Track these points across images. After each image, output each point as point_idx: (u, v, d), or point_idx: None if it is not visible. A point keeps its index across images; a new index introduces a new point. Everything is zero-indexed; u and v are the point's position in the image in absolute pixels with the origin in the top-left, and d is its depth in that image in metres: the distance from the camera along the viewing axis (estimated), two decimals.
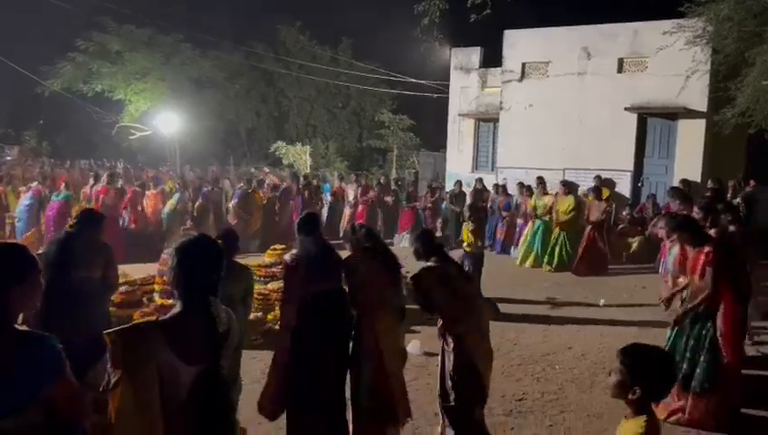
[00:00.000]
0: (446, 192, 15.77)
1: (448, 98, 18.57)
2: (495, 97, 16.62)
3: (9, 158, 31.87)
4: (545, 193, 12.71)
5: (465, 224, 8.76)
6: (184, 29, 25.94)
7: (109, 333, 2.09)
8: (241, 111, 28.88)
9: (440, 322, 4.28)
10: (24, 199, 12.55)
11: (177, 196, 13.50)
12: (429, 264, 4.28)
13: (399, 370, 4.25)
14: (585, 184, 14.12)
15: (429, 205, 15.27)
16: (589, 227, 11.67)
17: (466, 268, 8.34)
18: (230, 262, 4.42)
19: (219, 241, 4.51)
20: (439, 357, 4.29)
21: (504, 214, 13.70)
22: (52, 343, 2.18)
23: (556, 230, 12.04)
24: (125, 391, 2.02)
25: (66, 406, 2.23)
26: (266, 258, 9.76)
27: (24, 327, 2.18)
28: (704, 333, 4.95)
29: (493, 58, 17.21)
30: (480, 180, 15.54)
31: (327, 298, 4.14)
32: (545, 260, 12.03)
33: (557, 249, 11.94)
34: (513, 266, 12.21)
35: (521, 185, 13.56)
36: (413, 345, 6.51)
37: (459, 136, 18.02)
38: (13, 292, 2.16)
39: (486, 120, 17.43)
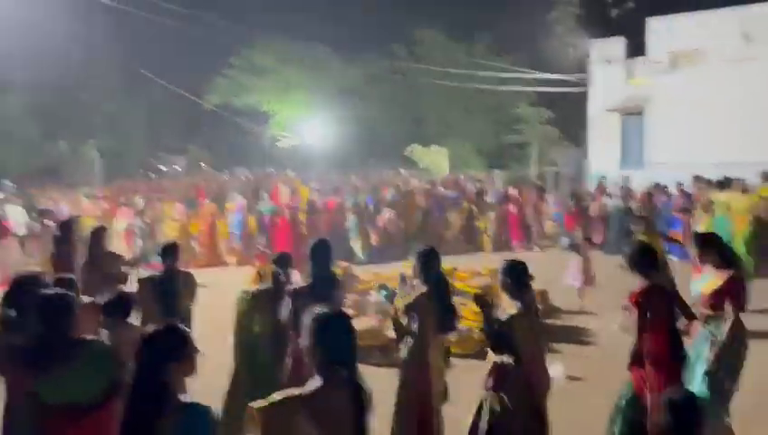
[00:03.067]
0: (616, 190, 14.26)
1: (589, 91, 17.86)
2: (642, 89, 15.73)
3: (178, 168, 35.44)
4: (722, 189, 11.57)
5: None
6: (326, 40, 27.27)
7: (256, 408, 2.34)
8: (380, 115, 29.66)
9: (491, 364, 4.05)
10: (237, 215, 13.81)
11: (350, 204, 13.96)
12: (516, 311, 3.90)
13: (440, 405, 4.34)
14: (748, 179, 12.95)
15: (596, 208, 13.94)
16: None
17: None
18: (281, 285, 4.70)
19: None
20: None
21: (681, 215, 12.34)
22: (207, 412, 2.47)
23: (736, 231, 10.73)
24: None
25: None
26: (403, 268, 9.97)
27: (187, 398, 2.48)
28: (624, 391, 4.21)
29: (637, 47, 16.27)
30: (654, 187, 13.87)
31: None
32: None
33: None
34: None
35: (696, 178, 12.29)
36: (555, 369, 6.43)
37: (603, 131, 17.25)
38: (174, 368, 2.46)
39: (633, 114, 16.53)
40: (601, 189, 14.17)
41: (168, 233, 13.13)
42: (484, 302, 4.07)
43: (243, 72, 26.96)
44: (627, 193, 13.83)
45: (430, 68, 27.68)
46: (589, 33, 17.62)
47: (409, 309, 4.27)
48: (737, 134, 13.54)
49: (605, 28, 16.50)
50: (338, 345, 2.44)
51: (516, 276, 3.96)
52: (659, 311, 4.08)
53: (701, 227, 11.39)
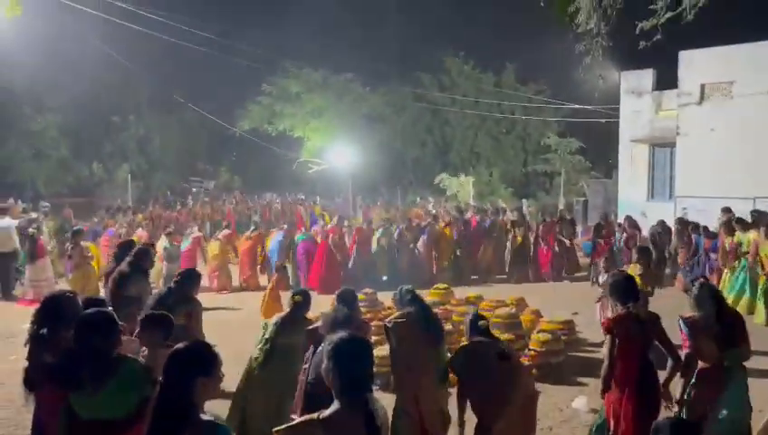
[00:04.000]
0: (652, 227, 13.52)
1: (619, 122, 17.79)
2: (671, 121, 15.63)
3: (207, 189, 36.02)
4: (750, 228, 10.76)
5: (632, 266, 8.29)
6: (354, 68, 27.74)
7: (278, 430, 2.41)
8: (407, 143, 29.92)
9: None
10: (277, 236, 13.87)
11: (380, 230, 14.03)
12: (474, 340, 4.33)
13: (440, 430, 4.41)
14: None
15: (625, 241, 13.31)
16: None
17: None
18: (300, 316, 4.93)
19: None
20: None
21: (713, 256, 11.78)
22: (224, 430, 2.53)
23: (762, 277, 10.12)
24: None
25: None
26: (429, 297, 9.51)
27: (207, 416, 2.51)
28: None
29: (667, 80, 16.22)
30: (662, 223, 13.54)
31: None
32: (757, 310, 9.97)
33: (763, 299, 9.98)
34: None
35: (725, 215, 11.64)
36: (579, 401, 6.37)
37: (632, 162, 17.13)
38: (201, 384, 2.51)
39: (662, 146, 16.40)
40: (633, 223, 13.67)
41: (210, 252, 13.43)
42: None
43: (274, 100, 27.45)
44: (663, 228, 13.20)
45: (456, 97, 27.93)
46: (618, 64, 17.60)
47: (389, 329, 4.47)
48: (767, 168, 13.37)
49: (634, 60, 16.45)
50: (353, 370, 2.48)
51: (472, 321, 4.38)
52: (630, 339, 4.14)
53: (726, 273, 10.97)
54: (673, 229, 13.20)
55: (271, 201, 25.96)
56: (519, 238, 14.07)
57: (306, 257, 13.14)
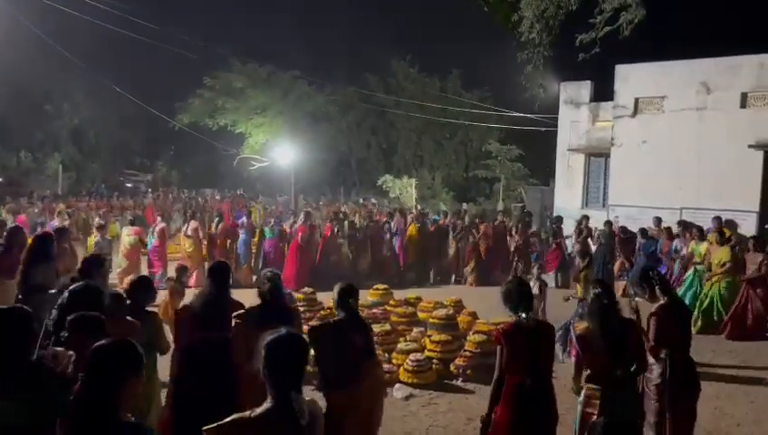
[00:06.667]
0: (598, 231, 13.84)
1: (557, 131, 18.28)
2: (607, 131, 16.18)
3: (147, 182, 34.98)
4: (703, 239, 11.35)
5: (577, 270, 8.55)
6: (300, 66, 27.55)
7: (209, 429, 2.35)
8: (352, 143, 29.94)
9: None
10: (242, 235, 13.79)
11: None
12: (336, 319, 4.41)
13: None
14: (704, 225, 13.34)
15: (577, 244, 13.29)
16: (743, 284, 9.98)
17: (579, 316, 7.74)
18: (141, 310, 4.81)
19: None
20: None
21: (668, 261, 12.15)
22: (147, 432, 2.48)
23: (708, 284, 10.50)
24: None
25: None
26: (369, 298, 9.67)
27: (130, 418, 2.44)
28: None
29: (604, 92, 16.78)
30: (586, 217, 14.37)
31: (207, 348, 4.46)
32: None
33: (705, 306, 10.32)
34: None
35: (684, 225, 12.02)
36: None
37: (568, 171, 17.62)
38: (128, 383, 2.43)
39: (597, 155, 16.96)
40: (588, 229, 13.91)
41: (183, 249, 13.30)
42: None
43: (217, 94, 26.88)
44: (610, 232, 13.38)
45: (401, 100, 28.13)
46: (558, 75, 18.09)
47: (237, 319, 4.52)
48: (694, 181, 14.04)
49: (573, 72, 16.97)
50: (283, 367, 2.46)
51: (340, 294, 4.39)
52: (516, 351, 3.92)
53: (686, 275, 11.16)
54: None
55: (211, 196, 25.49)
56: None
57: (274, 254, 13.48)
